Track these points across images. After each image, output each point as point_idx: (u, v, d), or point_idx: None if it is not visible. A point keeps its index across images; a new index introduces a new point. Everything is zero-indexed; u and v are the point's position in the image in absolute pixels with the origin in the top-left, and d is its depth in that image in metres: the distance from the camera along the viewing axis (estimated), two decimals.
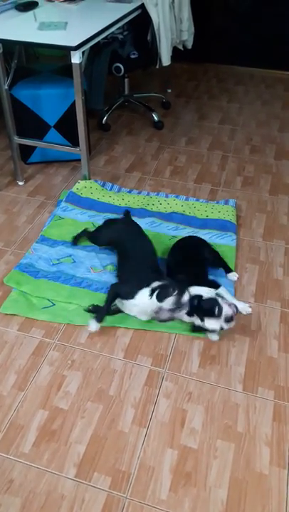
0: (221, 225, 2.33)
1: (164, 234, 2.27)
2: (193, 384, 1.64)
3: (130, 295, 1.73)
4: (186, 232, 2.29)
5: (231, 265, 2.09)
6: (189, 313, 1.68)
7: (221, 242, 2.22)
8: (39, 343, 1.77)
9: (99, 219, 2.34)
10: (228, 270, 2.05)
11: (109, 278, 2.01)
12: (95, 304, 1.87)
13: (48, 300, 1.92)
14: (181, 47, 3.27)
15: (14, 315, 1.87)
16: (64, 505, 1.32)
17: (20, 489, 1.36)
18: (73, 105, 2.31)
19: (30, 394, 1.60)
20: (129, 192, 2.60)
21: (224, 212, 2.41)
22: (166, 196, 2.55)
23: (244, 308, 1.82)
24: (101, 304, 1.83)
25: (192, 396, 1.60)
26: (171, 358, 1.73)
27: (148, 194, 2.58)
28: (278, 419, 1.53)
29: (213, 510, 1.32)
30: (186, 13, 3.08)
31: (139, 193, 2.59)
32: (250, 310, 1.82)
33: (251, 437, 1.49)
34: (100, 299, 1.90)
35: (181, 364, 1.70)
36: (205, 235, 2.27)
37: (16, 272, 2.03)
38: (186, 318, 1.69)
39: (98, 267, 2.07)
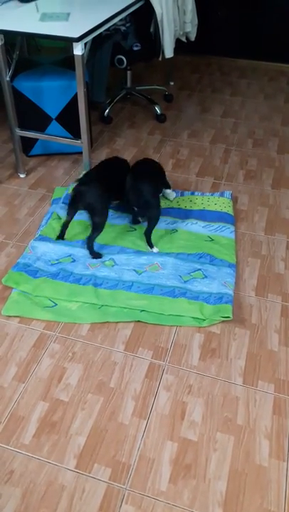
0: (219, 217, 2.33)
1: (164, 229, 2.26)
2: (194, 377, 1.64)
3: None
4: (184, 224, 2.28)
5: (233, 258, 2.10)
6: None
7: (221, 235, 2.22)
8: (40, 336, 1.78)
9: None
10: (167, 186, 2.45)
11: (109, 272, 2.01)
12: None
13: (50, 300, 1.90)
14: (184, 39, 3.25)
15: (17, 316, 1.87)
16: (64, 495, 1.33)
17: (20, 480, 1.37)
18: (75, 97, 2.30)
19: (31, 386, 1.61)
20: None
21: (220, 204, 2.42)
22: None
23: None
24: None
25: (192, 389, 1.60)
26: (171, 351, 1.73)
27: None
28: (278, 413, 1.54)
29: (213, 501, 1.32)
30: (190, 4, 3.05)
31: None
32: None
33: (251, 430, 1.49)
34: (101, 294, 1.91)
35: (182, 357, 1.71)
36: (204, 227, 2.27)
37: (15, 272, 2.00)
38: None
39: (95, 262, 2.06)
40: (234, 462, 1.41)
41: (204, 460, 1.42)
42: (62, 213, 2.34)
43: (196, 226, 2.27)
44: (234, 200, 2.52)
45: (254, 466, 1.41)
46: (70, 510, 1.30)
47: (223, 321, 1.83)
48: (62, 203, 2.41)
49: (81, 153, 2.50)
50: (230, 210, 2.37)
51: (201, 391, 1.60)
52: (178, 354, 1.72)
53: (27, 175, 2.71)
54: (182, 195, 2.52)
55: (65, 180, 2.67)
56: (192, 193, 2.53)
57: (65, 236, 2.19)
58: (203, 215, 2.35)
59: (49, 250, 2.11)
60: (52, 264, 2.05)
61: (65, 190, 2.52)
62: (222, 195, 2.50)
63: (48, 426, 1.50)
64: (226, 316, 1.81)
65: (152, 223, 2.10)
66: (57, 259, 2.08)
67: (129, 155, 2.91)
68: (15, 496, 1.33)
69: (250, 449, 1.44)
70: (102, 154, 2.91)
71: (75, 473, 1.38)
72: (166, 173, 2.74)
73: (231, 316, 1.82)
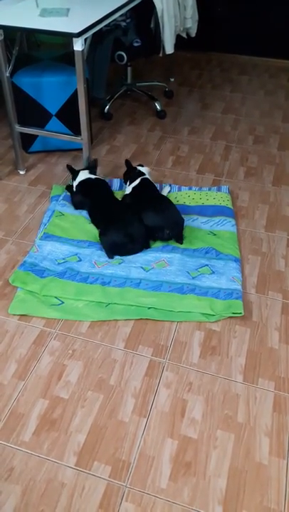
0: (219, 211, 2.33)
1: None
2: (194, 374, 1.64)
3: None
4: (185, 220, 2.27)
5: (237, 252, 2.10)
6: None
7: (223, 229, 2.21)
8: (40, 333, 1.77)
9: None
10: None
11: (115, 270, 1.99)
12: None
13: (56, 298, 1.88)
14: (184, 35, 3.23)
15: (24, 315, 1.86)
16: (64, 493, 1.33)
17: (20, 477, 1.36)
18: (75, 93, 2.29)
19: (31, 383, 1.61)
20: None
21: (219, 198, 2.41)
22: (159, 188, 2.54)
23: None
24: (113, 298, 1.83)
25: (192, 386, 1.60)
26: (171, 349, 1.73)
27: None
28: (278, 410, 1.54)
29: (213, 499, 1.32)
30: (190, 0, 3.03)
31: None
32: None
33: (251, 428, 1.49)
34: (109, 293, 1.89)
35: (182, 354, 1.71)
36: (205, 223, 2.26)
37: (22, 272, 1.97)
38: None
39: (102, 261, 2.05)
40: (234, 460, 1.41)
41: (204, 457, 1.42)
42: (63, 210, 2.33)
43: (196, 222, 2.27)
44: (235, 197, 2.51)
45: (254, 463, 1.40)
46: (69, 508, 1.30)
47: (223, 319, 1.83)
48: (63, 199, 2.40)
49: (81, 149, 2.49)
50: (229, 204, 2.37)
51: (201, 389, 1.60)
52: (178, 351, 1.72)
53: (27, 171, 2.70)
54: (179, 190, 2.51)
55: (64, 176, 2.66)
56: (189, 188, 2.52)
57: (76, 235, 2.19)
58: (203, 211, 2.35)
59: (55, 249, 2.09)
60: (58, 264, 2.03)
61: (63, 189, 2.51)
62: (219, 189, 2.49)
63: (48, 423, 1.49)
64: (238, 312, 1.81)
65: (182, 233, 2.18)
66: (63, 258, 2.06)
67: (130, 151, 2.90)
68: (15, 493, 1.33)
69: (251, 447, 1.44)
70: (102, 151, 2.90)
71: (75, 471, 1.38)
72: (166, 170, 2.74)
73: (243, 311, 1.82)
